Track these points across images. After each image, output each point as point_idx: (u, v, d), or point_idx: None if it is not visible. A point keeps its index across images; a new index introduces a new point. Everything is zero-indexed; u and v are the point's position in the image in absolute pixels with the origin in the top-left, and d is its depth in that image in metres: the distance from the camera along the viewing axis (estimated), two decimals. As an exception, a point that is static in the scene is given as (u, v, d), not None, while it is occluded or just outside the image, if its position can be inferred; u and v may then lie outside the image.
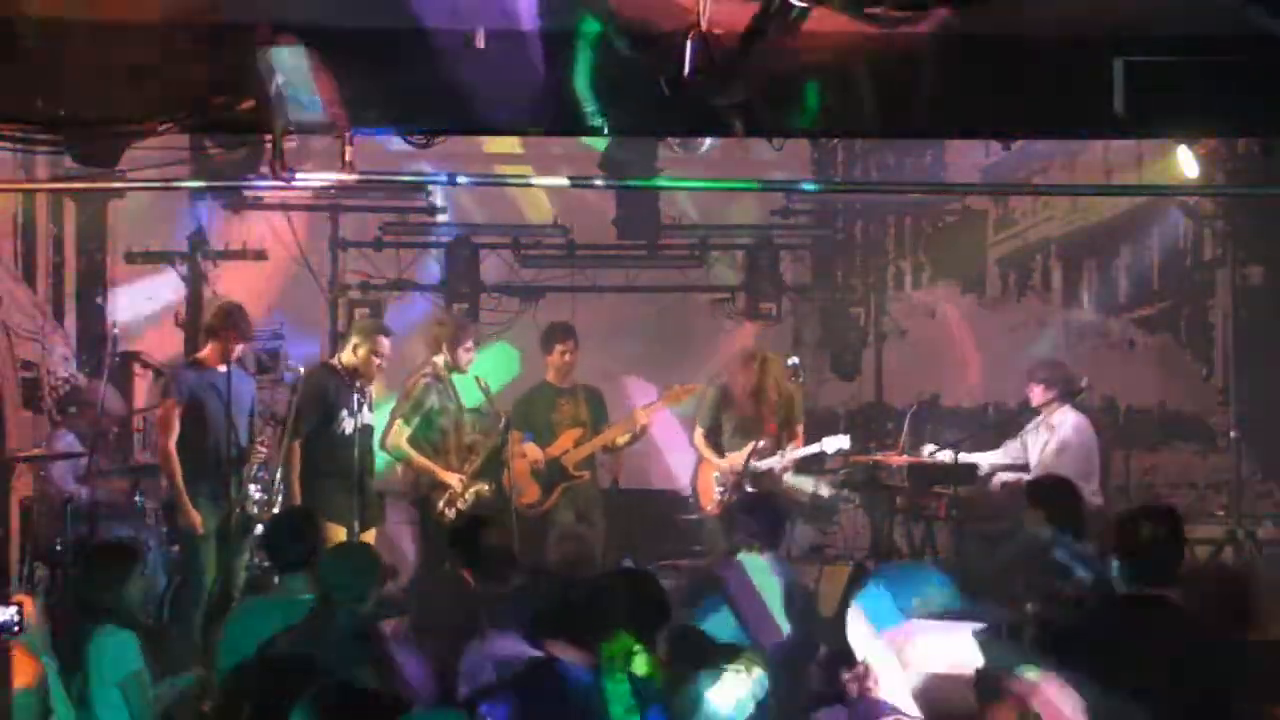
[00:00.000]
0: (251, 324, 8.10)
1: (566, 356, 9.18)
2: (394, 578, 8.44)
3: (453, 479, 8.48)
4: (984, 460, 8.75)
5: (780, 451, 8.89)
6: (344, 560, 5.23)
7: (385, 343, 8.33)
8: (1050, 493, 6.81)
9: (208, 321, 8.15)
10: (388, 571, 7.35)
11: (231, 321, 7.89)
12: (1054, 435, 8.61)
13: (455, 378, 8.76)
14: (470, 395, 8.81)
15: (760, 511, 6.80)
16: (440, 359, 8.72)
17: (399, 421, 8.54)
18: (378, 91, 5.92)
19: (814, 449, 8.98)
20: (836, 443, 8.95)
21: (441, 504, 8.45)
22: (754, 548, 6.51)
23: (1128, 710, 4.20)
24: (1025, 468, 8.60)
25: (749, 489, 8.64)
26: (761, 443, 8.84)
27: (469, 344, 8.85)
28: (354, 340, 8.35)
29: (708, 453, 9.08)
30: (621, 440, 9.21)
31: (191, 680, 5.78)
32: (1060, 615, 5.38)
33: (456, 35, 5.82)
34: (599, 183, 8.94)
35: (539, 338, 9.47)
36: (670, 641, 4.76)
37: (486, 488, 8.56)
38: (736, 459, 8.87)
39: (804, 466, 9.33)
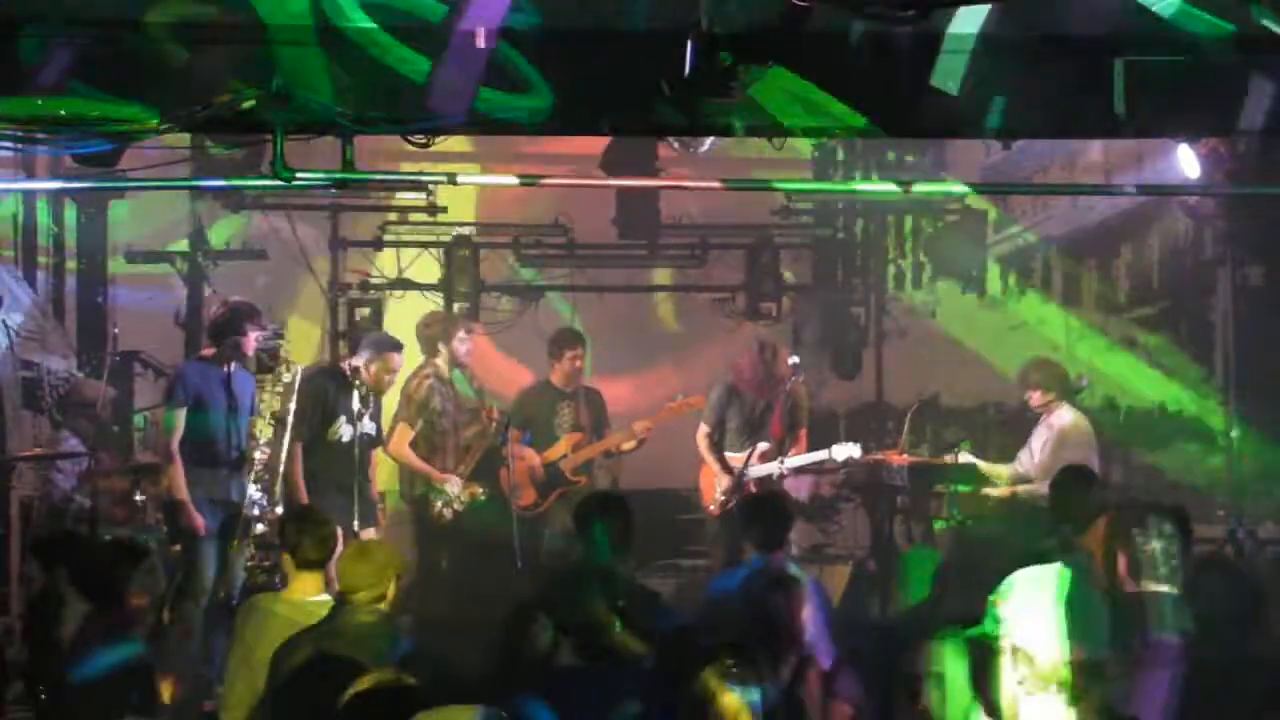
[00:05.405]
0: (260, 321, 8.05)
1: (576, 363, 9.15)
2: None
3: (450, 480, 8.48)
4: (1003, 470, 8.71)
5: (780, 457, 8.73)
6: (364, 560, 5.22)
7: (397, 359, 8.31)
8: (1059, 486, 6.58)
9: (216, 318, 8.06)
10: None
11: (239, 320, 7.85)
12: (1051, 433, 8.63)
13: (455, 378, 8.76)
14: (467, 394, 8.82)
15: (764, 514, 6.71)
16: (440, 360, 8.71)
17: (403, 424, 8.53)
18: (378, 91, 5.92)
19: (821, 455, 8.80)
20: (846, 451, 8.71)
21: (440, 505, 8.45)
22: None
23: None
24: (1028, 480, 8.62)
25: (752, 491, 8.57)
26: (764, 445, 8.75)
27: (462, 334, 8.84)
28: (366, 354, 8.30)
29: (708, 455, 9.00)
30: (627, 447, 9.17)
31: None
32: None
33: (458, 34, 5.82)
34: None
35: (546, 342, 9.43)
36: (667, 642, 4.74)
37: (482, 491, 8.56)
38: (738, 460, 8.75)
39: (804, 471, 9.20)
